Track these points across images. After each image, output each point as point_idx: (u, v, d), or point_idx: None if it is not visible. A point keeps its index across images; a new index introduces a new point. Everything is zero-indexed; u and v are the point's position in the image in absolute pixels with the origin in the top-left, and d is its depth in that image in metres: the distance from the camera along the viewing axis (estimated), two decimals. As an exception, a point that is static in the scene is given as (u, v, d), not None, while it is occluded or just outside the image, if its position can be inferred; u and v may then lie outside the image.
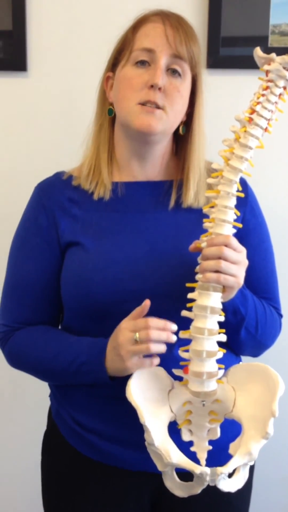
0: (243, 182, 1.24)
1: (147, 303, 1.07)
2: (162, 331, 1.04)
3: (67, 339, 1.21)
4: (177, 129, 1.26)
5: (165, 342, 1.05)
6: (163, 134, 1.22)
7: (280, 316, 1.33)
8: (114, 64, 1.25)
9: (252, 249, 1.24)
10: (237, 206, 1.08)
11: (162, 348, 1.05)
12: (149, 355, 1.08)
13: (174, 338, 1.05)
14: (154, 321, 1.05)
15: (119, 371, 1.11)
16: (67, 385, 1.25)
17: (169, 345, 1.14)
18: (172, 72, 1.19)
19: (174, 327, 1.05)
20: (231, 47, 1.63)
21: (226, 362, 1.11)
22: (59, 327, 1.32)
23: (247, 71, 1.59)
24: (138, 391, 1.05)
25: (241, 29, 1.62)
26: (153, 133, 1.19)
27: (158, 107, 1.17)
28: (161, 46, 1.17)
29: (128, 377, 1.08)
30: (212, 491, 1.02)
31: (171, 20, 1.19)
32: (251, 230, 1.28)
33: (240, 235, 1.22)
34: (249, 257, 1.12)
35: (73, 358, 1.16)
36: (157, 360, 1.08)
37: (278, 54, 1.08)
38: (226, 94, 1.63)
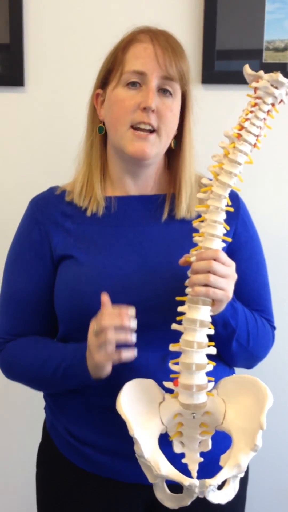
0: (234, 196, 1.24)
1: (103, 296, 1.07)
2: (116, 317, 1.04)
3: (55, 346, 1.23)
4: None
5: (123, 328, 1.04)
6: (156, 156, 1.23)
7: (273, 328, 1.33)
8: (104, 82, 1.25)
9: (244, 262, 1.25)
10: (228, 220, 1.09)
11: (123, 336, 1.04)
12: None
13: (132, 324, 1.04)
14: (108, 309, 1.06)
15: (95, 368, 1.11)
16: (62, 393, 1.26)
17: (160, 358, 1.16)
18: (163, 91, 1.20)
19: (131, 311, 1.05)
20: (226, 60, 1.64)
21: (218, 374, 1.11)
22: (54, 339, 1.32)
23: (242, 86, 1.60)
24: (128, 403, 1.05)
25: (236, 43, 1.64)
26: (146, 159, 1.20)
27: (152, 129, 1.18)
28: (152, 69, 1.18)
29: (120, 387, 1.08)
30: (204, 503, 1.02)
31: (160, 40, 1.19)
32: (243, 243, 1.29)
33: (232, 248, 1.23)
34: (241, 269, 1.12)
35: (59, 363, 1.18)
36: (128, 353, 1.07)
37: (272, 70, 1.09)
38: (221, 109, 1.64)
